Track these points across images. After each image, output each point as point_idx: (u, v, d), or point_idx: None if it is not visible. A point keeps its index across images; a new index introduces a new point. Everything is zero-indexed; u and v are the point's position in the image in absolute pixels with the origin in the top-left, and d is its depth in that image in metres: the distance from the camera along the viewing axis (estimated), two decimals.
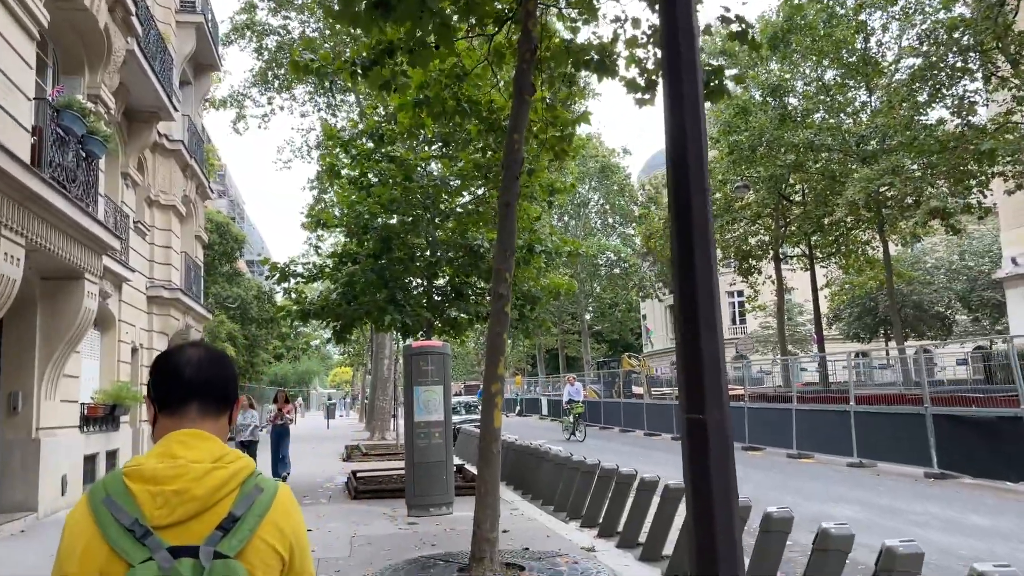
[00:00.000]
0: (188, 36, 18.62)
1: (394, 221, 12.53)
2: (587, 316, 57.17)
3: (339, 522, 9.78)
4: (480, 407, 28.37)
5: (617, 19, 8.31)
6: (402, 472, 13.35)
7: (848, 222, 24.62)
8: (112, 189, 14.48)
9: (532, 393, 49.54)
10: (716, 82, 7.50)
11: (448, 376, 10.68)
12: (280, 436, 14.32)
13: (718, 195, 29.99)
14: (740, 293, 57.72)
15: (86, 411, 12.41)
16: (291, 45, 27.61)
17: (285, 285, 13.33)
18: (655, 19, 8.25)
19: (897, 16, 24.74)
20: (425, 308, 12.43)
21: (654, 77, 8.64)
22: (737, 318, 58.09)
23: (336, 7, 5.68)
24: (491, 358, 7.12)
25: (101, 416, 12.87)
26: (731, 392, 24.16)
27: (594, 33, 8.70)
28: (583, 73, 10.61)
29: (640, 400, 27.12)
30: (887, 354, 38.83)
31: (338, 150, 13.38)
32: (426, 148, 12.77)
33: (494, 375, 7.05)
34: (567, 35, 8.71)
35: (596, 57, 8.48)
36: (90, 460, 12.65)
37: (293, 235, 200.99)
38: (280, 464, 14.30)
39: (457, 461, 14.01)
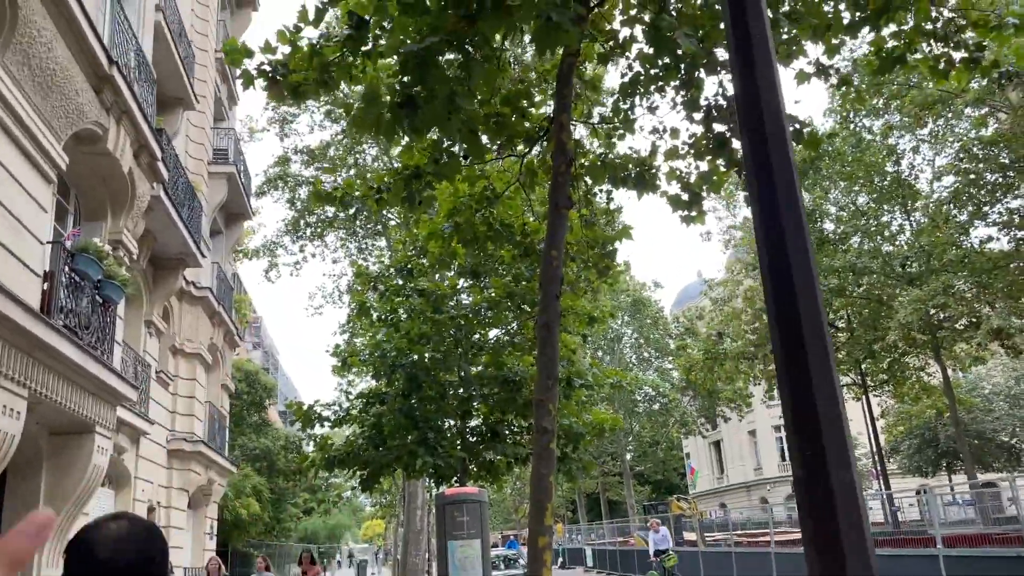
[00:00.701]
0: (220, 186, 18.84)
1: (425, 357, 11.80)
2: (627, 456, 54.84)
3: None
4: (519, 560, 25.92)
5: (655, 131, 7.86)
6: None
7: (901, 346, 23.39)
8: (134, 337, 14.04)
9: (574, 542, 46.71)
10: None
11: (486, 527, 9.54)
12: None
13: (756, 324, 29.08)
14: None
15: None
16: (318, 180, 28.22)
17: (311, 431, 12.50)
18: (695, 128, 7.79)
19: (926, 139, 24.60)
20: (459, 450, 11.46)
21: (698, 191, 8.10)
22: (785, 454, 55.33)
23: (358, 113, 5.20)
24: (536, 505, 6.11)
25: None
26: (787, 535, 22.09)
27: (631, 148, 8.23)
28: (621, 191, 10.11)
29: (694, 548, 25.04)
30: (951, 488, 36.19)
31: (369, 292, 12.97)
32: (456, 279, 12.24)
33: (541, 525, 6.02)
34: (602, 150, 8.25)
35: (634, 172, 7.97)
36: None
37: (326, 386, 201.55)
38: None
39: None
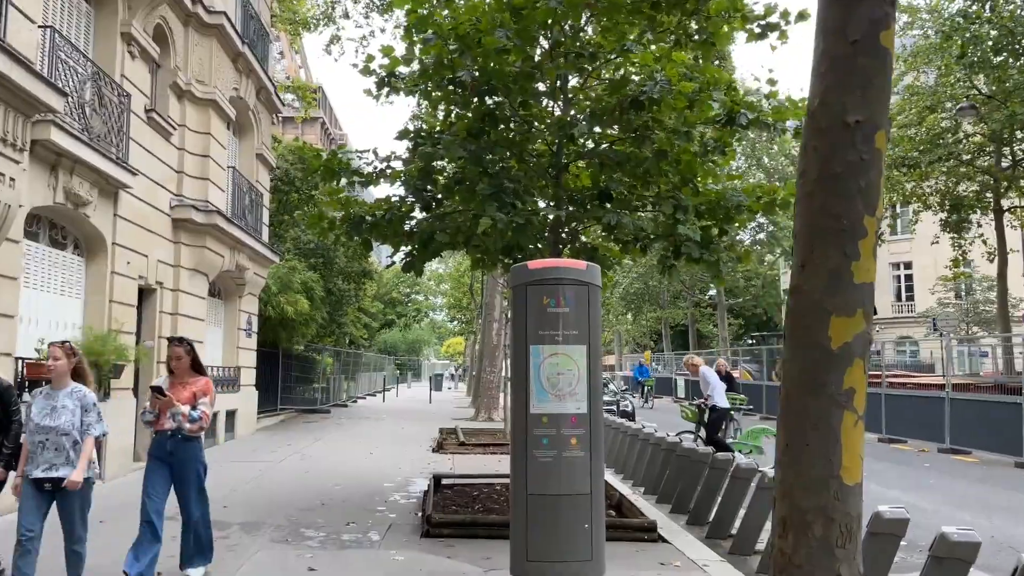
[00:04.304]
0: None
1: (507, 71, 7.32)
2: (722, 287, 50.50)
3: None
4: (610, 384, 21.12)
5: None
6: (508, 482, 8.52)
7: None
8: (105, 52, 10.09)
9: (660, 371, 43.66)
10: None
11: (597, 326, 5.48)
12: (174, 458, 5.37)
13: (920, 129, 23.30)
14: (908, 265, 49.37)
15: (24, 370, 8.02)
16: None
17: (334, 184, 8.52)
18: None
19: None
20: (552, 209, 7.27)
21: None
22: (903, 294, 49.77)
23: None
24: (832, 234, 1.87)
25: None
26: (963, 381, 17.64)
27: None
28: None
29: None
30: None
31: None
32: None
33: (850, 291, 1.80)
34: None
35: None
36: None
37: None
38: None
39: None
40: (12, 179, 6.92)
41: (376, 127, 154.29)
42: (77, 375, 4.96)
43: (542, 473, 5.23)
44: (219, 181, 13.46)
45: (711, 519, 7.84)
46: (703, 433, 11.99)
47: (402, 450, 13.87)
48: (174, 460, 5.34)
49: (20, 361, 7.98)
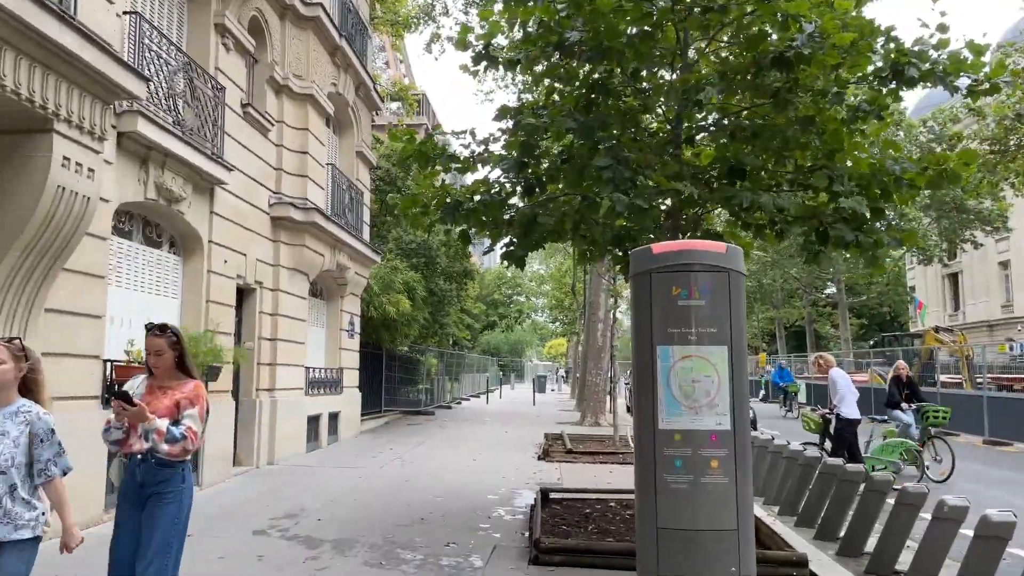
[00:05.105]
0: None
1: (622, 39, 6.38)
2: (842, 284, 47.27)
3: None
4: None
5: None
6: (629, 497, 7.83)
7: None
8: (198, 44, 9.81)
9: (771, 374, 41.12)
10: None
11: (741, 322, 4.47)
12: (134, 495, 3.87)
13: None
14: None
15: (114, 374, 7.68)
16: None
17: (431, 169, 7.81)
18: None
19: None
20: (683, 187, 6.23)
21: None
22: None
23: None
24: None
25: None
26: None
27: None
28: None
29: (970, 391, 18.98)
30: None
31: None
32: None
33: None
34: None
35: None
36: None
37: None
38: None
39: None
40: (91, 169, 6.53)
41: (479, 129, 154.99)
42: (27, 388, 3.40)
43: (675, 503, 4.26)
44: (318, 178, 13.11)
45: (868, 550, 6.65)
46: (828, 446, 10.61)
47: (506, 456, 13.10)
48: (143, 494, 3.79)
49: (109, 363, 7.63)
